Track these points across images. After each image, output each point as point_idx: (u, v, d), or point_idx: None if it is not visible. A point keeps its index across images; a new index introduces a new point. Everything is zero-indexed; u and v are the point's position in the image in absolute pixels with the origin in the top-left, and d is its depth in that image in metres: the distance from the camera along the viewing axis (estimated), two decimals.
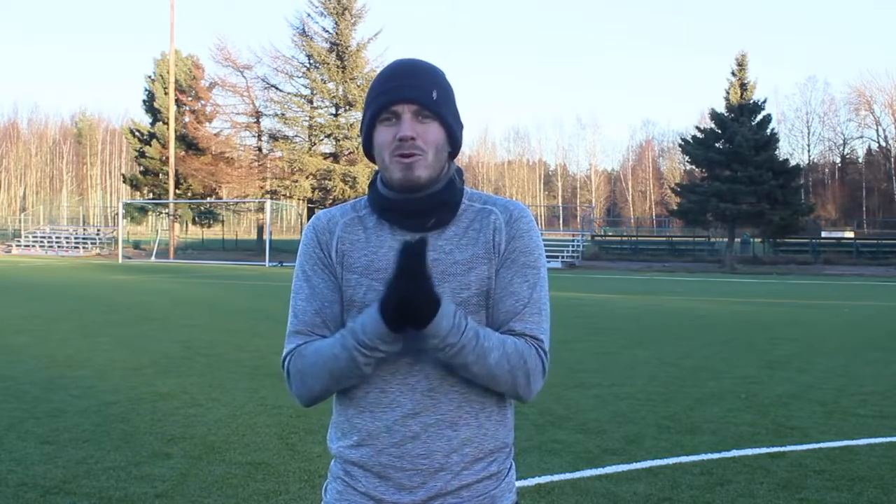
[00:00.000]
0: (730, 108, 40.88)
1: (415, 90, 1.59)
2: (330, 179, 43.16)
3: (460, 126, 1.68)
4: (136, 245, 54.00)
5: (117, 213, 50.53)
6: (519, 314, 1.62)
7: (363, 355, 1.53)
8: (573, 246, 42.74)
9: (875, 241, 45.44)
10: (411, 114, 1.59)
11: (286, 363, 1.64)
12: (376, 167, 1.69)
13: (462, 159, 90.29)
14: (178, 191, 47.52)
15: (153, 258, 44.07)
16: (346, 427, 1.65)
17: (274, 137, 46.27)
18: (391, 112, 1.60)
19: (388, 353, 1.53)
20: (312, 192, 43.99)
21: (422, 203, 1.62)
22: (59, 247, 50.24)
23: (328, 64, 44.10)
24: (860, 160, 78.12)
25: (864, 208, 70.10)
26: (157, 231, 57.00)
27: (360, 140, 1.70)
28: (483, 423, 1.62)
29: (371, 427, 1.60)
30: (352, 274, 1.64)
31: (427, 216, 1.62)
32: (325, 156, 45.11)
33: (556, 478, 4.90)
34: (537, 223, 1.69)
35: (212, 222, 53.61)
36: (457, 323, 1.52)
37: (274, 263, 37.63)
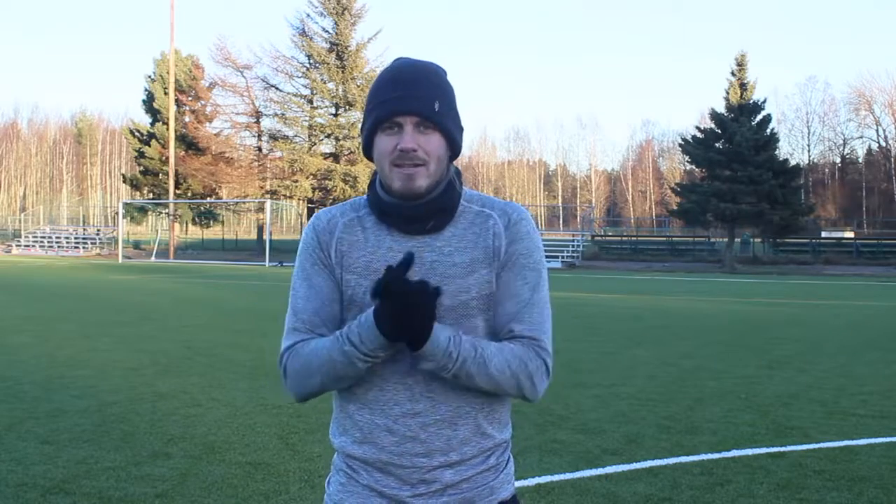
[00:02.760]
0: (730, 108, 40.84)
1: (417, 101, 1.59)
2: (330, 179, 43.18)
3: (461, 130, 1.69)
4: (136, 245, 54.03)
5: (117, 213, 50.53)
6: (518, 315, 1.64)
7: (363, 361, 1.56)
8: (573, 246, 42.72)
9: (875, 241, 45.43)
10: (413, 125, 1.60)
11: (283, 360, 1.66)
12: (376, 167, 1.70)
13: (462, 159, 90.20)
14: (178, 191, 47.52)
15: (153, 258, 44.08)
16: (348, 423, 1.67)
17: (274, 137, 46.27)
18: (393, 122, 1.60)
19: (388, 355, 1.58)
20: (312, 192, 43.99)
21: (420, 209, 1.63)
22: (59, 247, 50.24)
23: (328, 64, 44.11)
24: (860, 160, 78.13)
25: (864, 208, 70.09)
26: (157, 231, 57.00)
27: (360, 140, 1.71)
28: (481, 423, 1.65)
29: (371, 425, 1.63)
30: (351, 274, 1.65)
31: (425, 221, 1.64)
32: (325, 156, 45.12)
33: (556, 478, 4.90)
34: (537, 223, 1.70)
35: (212, 222, 53.57)
36: (452, 337, 1.55)
37: (274, 263, 37.63)
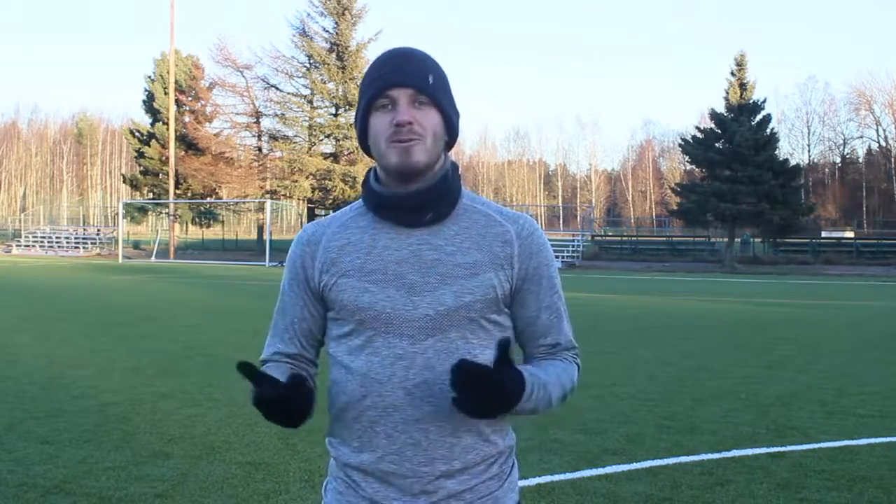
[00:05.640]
0: (729, 108, 40.82)
1: (410, 74, 1.55)
2: (330, 179, 43.19)
3: (457, 114, 1.64)
4: (136, 245, 54.00)
5: (117, 213, 50.51)
6: (557, 326, 1.68)
7: None
8: (573, 246, 42.73)
9: (875, 241, 45.43)
10: (407, 98, 1.55)
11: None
12: (372, 164, 1.65)
13: (462, 159, 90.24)
14: (178, 191, 47.50)
15: (153, 258, 44.06)
16: (345, 431, 1.61)
17: (274, 137, 46.28)
18: (387, 97, 1.55)
19: None
20: (312, 192, 44.00)
21: (418, 198, 1.57)
22: (59, 247, 50.22)
23: (328, 64, 44.11)
24: (860, 160, 78.12)
25: (864, 208, 70.08)
26: (157, 231, 56.93)
27: (356, 132, 1.67)
28: (484, 429, 1.59)
29: (370, 432, 1.57)
30: (344, 278, 1.60)
31: (424, 211, 1.58)
32: (325, 156, 45.13)
33: (556, 478, 4.90)
34: (537, 223, 1.69)
35: (212, 222, 53.58)
36: (527, 391, 1.53)
37: (274, 263, 37.61)
